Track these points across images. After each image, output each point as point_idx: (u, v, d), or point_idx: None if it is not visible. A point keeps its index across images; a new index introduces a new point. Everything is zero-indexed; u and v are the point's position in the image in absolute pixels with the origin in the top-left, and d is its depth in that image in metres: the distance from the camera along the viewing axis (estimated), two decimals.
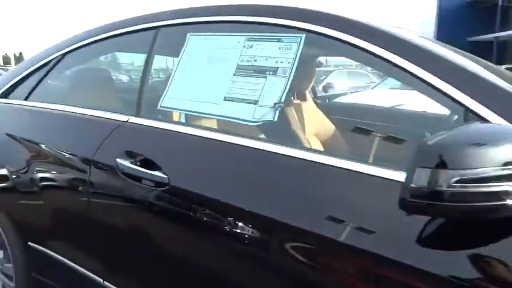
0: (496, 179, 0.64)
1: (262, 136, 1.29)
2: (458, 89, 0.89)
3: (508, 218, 0.68)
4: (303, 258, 0.95)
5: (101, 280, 1.36)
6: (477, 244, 0.76)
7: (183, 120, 1.34)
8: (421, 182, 0.67)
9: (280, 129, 1.41)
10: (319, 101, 2.55)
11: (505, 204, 0.65)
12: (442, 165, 0.65)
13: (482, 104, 0.85)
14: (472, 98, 0.86)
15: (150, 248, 1.25)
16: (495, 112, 0.83)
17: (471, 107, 0.86)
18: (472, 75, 0.93)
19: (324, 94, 8.42)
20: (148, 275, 1.26)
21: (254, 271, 1.03)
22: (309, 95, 2.26)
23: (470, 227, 0.77)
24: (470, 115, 0.86)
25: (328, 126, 2.07)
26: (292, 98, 2.10)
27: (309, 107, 2.18)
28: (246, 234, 1.04)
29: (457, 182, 0.65)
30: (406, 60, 0.97)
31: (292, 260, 0.94)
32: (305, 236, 0.92)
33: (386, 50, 1.00)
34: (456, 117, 1.17)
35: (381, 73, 10.21)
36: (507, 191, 0.65)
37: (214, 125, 1.28)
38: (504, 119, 0.82)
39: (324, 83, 9.65)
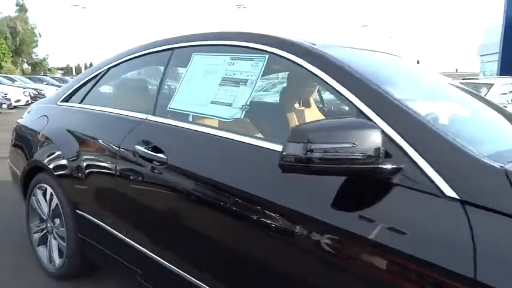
0: (338, 151, 1.00)
1: (259, 135, 1.69)
2: (359, 99, 1.22)
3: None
4: (247, 212, 1.33)
5: (123, 236, 1.82)
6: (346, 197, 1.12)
7: (184, 118, 1.77)
8: (289, 151, 1.04)
9: (282, 129, 1.80)
10: (325, 108, 2.87)
11: (347, 167, 1.01)
12: (299, 139, 1.02)
13: (370, 108, 1.19)
14: (362, 102, 1.21)
15: (157, 206, 1.69)
16: (376, 113, 1.17)
17: (362, 109, 1.20)
18: (370, 90, 1.25)
19: None
20: (157, 228, 1.70)
21: (221, 220, 1.43)
22: (313, 102, 2.61)
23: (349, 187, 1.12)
24: (361, 115, 1.20)
25: None
26: (297, 104, 2.48)
27: (312, 112, 2.52)
28: (218, 195, 1.43)
29: (309, 151, 1.00)
30: (328, 75, 1.32)
31: (247, 213, 1.32)
32: (250, 197, 1.30)
33: (315, 66, 1.36)
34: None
35: None
36: (348, 158, 0.99)
37: (205, 121, 1.69)
38: (381, 118, 1.15)
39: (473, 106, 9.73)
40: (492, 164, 0.98)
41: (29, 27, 62.81)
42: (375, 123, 1.13)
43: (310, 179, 1.11)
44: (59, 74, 58.36)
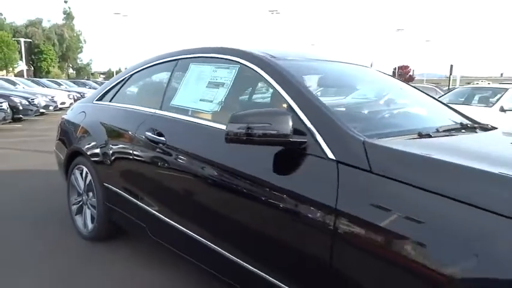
0: (259, 129, 1.53)
1: None
2: (289, 96, 1.75)
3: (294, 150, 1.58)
4: (216, 173, 1.88)
5: (137, 201, 2.43)
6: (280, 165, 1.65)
7: (180, 112, 2.34)
8: (229, 129, 1.59)
9: None
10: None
11: (266, 140, 1.54)
12: (236, 121, 1.57)
13: (295, 102, 1.71)
14: (291, 98, 1.73)
15: (160, 177, 2.27)
16: (297, 105, 1.69)
17: (290, 103, 1.73)
18: (297, 90, 1.76)
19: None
20: (160, 193, 2.29)
21: (203, 181, 1.98)
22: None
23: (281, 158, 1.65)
24: (289, 107, 1.72)
25: None
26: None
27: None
28: (200, 164, 1.99)
29: (240, 128, 1.54)
30: (288, 87, 1.83)
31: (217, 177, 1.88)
32: (214, 164, 1.87)
33: (266, 73, 1.90)
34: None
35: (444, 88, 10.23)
36: (267, 134, 1.53)
37: (194, 114, 2.25)
38: (300, 108, 1.67)
39: (386, 98, 10.04)
40: (357, 136, 1.49)
41: (75, 34, 66.39)
42: (289, 111, 1.66)
43: (250, 148, 1.65)
44: (101, 78, 61.40)
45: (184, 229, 2.07)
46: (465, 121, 2.27)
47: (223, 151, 1.86)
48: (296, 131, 1.57)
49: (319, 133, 1.56)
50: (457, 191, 1.20)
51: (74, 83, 26.48)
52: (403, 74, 59.09)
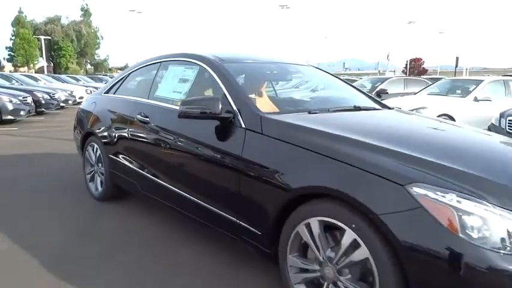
0: (198, 109, 2.40)
1: None
2: (226, 89, 2.61)
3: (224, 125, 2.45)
4: (181, 139, 2.76)
5: (131, 165, 3.33)
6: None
7: (160, 100, 3.22)
8: (180, 109, 2.46)
9: None
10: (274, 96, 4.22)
11: (205, 115, 2.41)
12: (185, 104, 2.44)
13: (228, 92, 2.57)
14: (227, 90, 2.59)
15: (146, 147, 3.16)
16: (229, 94, 2.55)
17: (225, 93, 2.58)
18: (231, 85, 2.62)
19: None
20: (146, 158, 3.18)
21: (173, 147, 2.87)
22: (264, 93, 3.96)
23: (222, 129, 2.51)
24: (226, 99, 2.58)
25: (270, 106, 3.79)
26: (254, 94, 3.86)
27: (263, 100, 3.87)
28: (172, 136, 2.88)
29: (187, 108, 2.42)
30: (222, 80, 2.69)
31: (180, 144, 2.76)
32: (179, 134, 2.75)
33: (223, 75, 2.74)
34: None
35: (431, 82, 10.92)
36: (205, 112, 2.39)
37: (169, 101, 3.13)
38: (230, 96, 2.53)
39: (378, 89, 10.78)
40: (258, 113, 2.34)
41: (92, 31, 68.06)
42: (224, 98, 2.51)
43: (198, 122, 2.52)
44: (118, 74, 63.10)
45: (161, 182, 2.97)
46: (365, 104, 3.10)
47: (185, 126, 2.74)
48: (227, 111, 2.44)
49: (239, 112, 2.42)
50: (301, 142, 2.05)
51: (91, 78, 27.77)
52: (416, 67, 58.94)
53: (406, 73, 49.56)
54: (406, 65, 51.35)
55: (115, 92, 3.97)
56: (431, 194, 1.58)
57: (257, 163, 2.18)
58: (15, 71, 50.58)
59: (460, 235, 1.51)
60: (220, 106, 2.39)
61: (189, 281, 2.44)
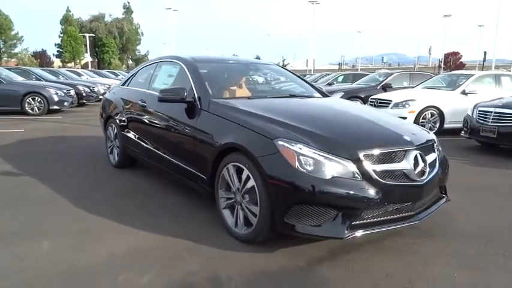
0: (170, 96, 3.52)
1: None
2: (193, 83, 3.71)
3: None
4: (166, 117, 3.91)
5: (136, 139, 4.53)
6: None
7: (155, 90, 4.37)
8: (159, 95, 3.59)
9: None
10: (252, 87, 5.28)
11: (175, 99, 3.53)
12: (161, 92, 3.57)
13: (194, 85, 3.67)
14: (194, 84, 3.69)
15: (146, 125, 4.33)
16: (195, 86, 3.65)
17: (192, 86, 3.68)
18: (199, 79, 3.72)
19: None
20: (146, 132, 4.36)
21: (161, 124, 4.02)
22: (244, 85, 5.04)
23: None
24: (192, 89, 3.68)
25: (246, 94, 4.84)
26: (235, 87, 4.96)
27: (241, 90, 4.94)
28: (158, 116, 4.03)
29: (163, 95, 3.54)
30: (191, 75, 3.80)
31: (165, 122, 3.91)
32: (163, 114, 3.90)
33: (192, 72, 3.85)
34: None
35: (431, 75, 11.58)
36: (174, 97, 3.50)
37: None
38: (194, 87, 3.64)
39: (383, 83, 11.51)
40: (209, 97, 3.43)
41: (134, 27, 71.26)
42: (191, 89, 3.61)
43: (174, 105, 3.64)
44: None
45: (152, 148, 4.14)
46: (303, 93, 4.11)
47: (166, 107, 3.87)
48: (193, 97, 3.55)
49: (199, 98, 3.51)
50: (228, 116, 3.12)
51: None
52: (454, 61, 57.35)
53: (441, 67, 48.58)
54: (442, 59, 50.26)
55: (128, 84, 5.20)
56: (286, 144, 2.62)
57: (203, 131, 3.29)
58: (63, 66, 54.16)
59: (300, 168, 2.54)
60: (185, 93, 3.50)
61: (160, 211, 3.59)
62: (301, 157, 2.57)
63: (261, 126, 2.86)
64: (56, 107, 11.81)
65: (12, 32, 55.26)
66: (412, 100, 8.41)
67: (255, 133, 2.83)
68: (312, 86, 4.55)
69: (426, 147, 3.00)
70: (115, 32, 66.71)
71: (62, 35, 60.90)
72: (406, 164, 2.72)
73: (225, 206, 3.09)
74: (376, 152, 2.66)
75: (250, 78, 4.37)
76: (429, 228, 3.28)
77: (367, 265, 2.64)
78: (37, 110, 11.50)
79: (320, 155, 2.57)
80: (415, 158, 2.76)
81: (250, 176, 2.76)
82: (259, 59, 78.22)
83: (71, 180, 4.61)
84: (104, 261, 2.64)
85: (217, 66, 4.31)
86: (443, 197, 3.28)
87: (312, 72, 25.16)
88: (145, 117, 4.31)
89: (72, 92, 12.76)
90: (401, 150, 2.75)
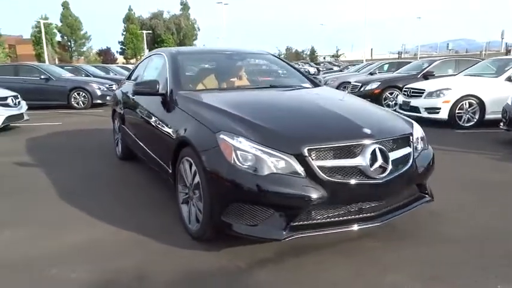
0: (145, 88, 3.48)
1: None
2: (170, 74, 3.65)
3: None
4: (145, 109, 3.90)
5: (127, 130, 4.58)
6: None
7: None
8: (133, 89, 3.56)
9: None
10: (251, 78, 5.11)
11: (148, 92, 3.48)
12: (136, 85, 3.54)
13: (171, 77, 3.60)
14: (171, 75, 3.62)
15: (135, 116, 4.36)
16: (171, 78, 3.57)
17: (168, 77, 3.61)
18: (175, 71, 3.64)
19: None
20: (134, 125, 4.39)
21: (143, 116, 4.02)
22: (244, 76, 4.90)
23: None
24: (167, 82, 3.62)
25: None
26: (235, 78, 4.84)
27: (241, 81, 4.80)
28: (141, 108, 4.03)
29: (137, 87, 3.51)
30: (169, 67, 3.73)
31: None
32: (142, 106, 3.89)
33: (171, 64, 3.78)
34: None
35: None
36: (147, 90, 3.46)
37: None
38: (171, 79, 3.57)
39: (424, 71, 10.72)
40: (179, 91, 3.33)
41: (190, 23, 73.21)
42: (166, 81, 3.55)
43: (146, 98, 3.61)
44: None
45: (138, 141, 4.15)
46: (288, 84, 3.89)
47: (146, 100, 3.85)
48: (165, 90, 3.48)
49: (170, 91, 3.43)
50: (186, 109, 3.02)
51: None
52: None
53: (510, 52, 44.27)
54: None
55: (129, 78, 5.27)
56: (227, 138, 2.46)
57: (167, 124, 3.21)
58: (127, 62, 57.07)
59: (236, 164, 2.37)
60: (157, 86, 3.44)
61: (136, 205, 3.58)
62: (238, 152, 2.39)
63: (209, 119, 2.72)
64: (99, 101, 12.42)
65: (82, 32, 59.28)
66: (447, 89, 7.69)
67: (203, 126, 2.70)
68: (305, 76, 4.28)
69: (394, 141, 2.67)
70: (173, 28, 68.89)
71: (124, 33, 64.14)
72: (361, 160, 2.43)
73: (182, 201, 3.00)
74: (323, 146, 2.41)
75: (236, 70, 4.21)
76: (409, 230, 2.96)
77: (315, 271, 2.41)
78: (82, 104, 12.19)
79: (259, 150, 2.37)
80: (373, 153, 2.46)
81: (197, 170, 2.64)
82: (314, 51, 75.62)
83: (74, 172, 4.77)
84: (51, 253, 2.67)
85: (200, 58, 4.22)
86: (424, 196, 2.92)
87: (364, 62, 24.05)
88: (132, 110, 4.34)
89: (115, 87, 13.33)
90: (356, 145, 2.47)
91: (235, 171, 2.36)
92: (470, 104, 7.58)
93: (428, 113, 7.79)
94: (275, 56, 4.65)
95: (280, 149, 2.37)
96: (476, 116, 7.61)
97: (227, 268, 2.45)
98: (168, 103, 3.35)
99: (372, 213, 2.56)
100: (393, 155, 2.59)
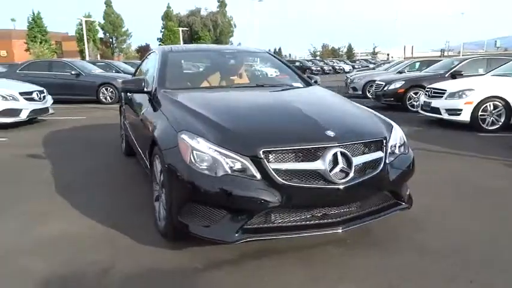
0: (132, 86, 3.54)
1: None
2: (158, 71, 3.69)
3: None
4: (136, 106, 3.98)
5: (127, 127, 4.70)
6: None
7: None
8: (120, 86, 3.63)
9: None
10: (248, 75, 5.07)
11: (136, 90, 3.55)
12: (123, 83, 3.60)
13: (158, 73, 3.65)
14: (159, 72, 3.66)
15: (131, 113, 4.46)
16: (158, 75, 3.63)
17: (156, 74, 3.66)
18: (164, 68, 3.69)
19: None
20: (130, 120, 4.49)
21: (137, 113, 4.11)
22: (244, 74, 4.88)
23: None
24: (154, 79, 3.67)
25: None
26: (236, 76, 4.84)
27: (242, 79, 4.79)
28: (135, 105, 4.12)
29: (124, 85, 3.57)
30: (158, 65, 3.78)
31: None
32: (134, 102, 3.96)
33: (160, 61, 3.83)
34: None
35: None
36: (135, 88, 3.53)
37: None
38: (158, 77, 3.62)
39: (452, 71, 10.25)
40: (160, 89, 3.37)
41: (227, 20, 73.82)
42: (151, 80, 3.60)
43: (138, 95, 3.68)
44: None
45: (132, 136, 4.24)
46: (285, 82, 3.86)
47: (139, 98, 3.93)
48: (151, 88, 3.53)
49: (155, 89, 3.47)
50: (162, 108, 3.04)
51: None
52: None
53: None
54: None
55: (134, 75, 5.39)
56: (186, 138, 2.46)
57: (149, 121, 3.26)
58: None
59: (192, 164, 2.37)
60: (143, 84, 3.49)
61: (123, 201, 3.67)
62: (195, 152, 2.39)
63: (176, 119, 2.74)
64: None
65: (123, 29, 61.32)
66: (470, 90, 7.29)
67: (169, 125, 2.72)
68: (299, 75, 4.20)
69: (363, 145, 2.57)
70: (210, 25, 69.74)
71: (163, 30, 65.69)
72: (320, 164, 2.36)
73: (155, 199, 3.04)
74: (280, 148, 2.36)
75: (228, 69, 4.19)
76: (382, 237, 2.85)
77: (270, 274, 2.37)
78: (109, 99, 12.62)
79: (215, 150, 2.36)
80: (334, 156, 2.38)
81: (162, 169, 2.66)
82: (351, 48, 74.31)
83: (79, 166, 4.95)
84: (26, 244, 2.79)
85: (192, 56, 4.24)
86: (400, 203, 2.79)
87: (398, 60, 23.24)
88: (129, 107, 4.44)
89: None
90: (317, 148, 2.40)
91: (190, 172, 2.36)
92: (495, 106, 7.16)
93: (449, 114, 7.43)
94: (272, 55, 4.60)
95: (236, 151, 2.34)
96: (502, 119, 7.17)
97: (183, 268, 2.45)
98: (152, 101, 3.40)
99: (338, 219, 2.48)
100: (359, 160, 2.49)
